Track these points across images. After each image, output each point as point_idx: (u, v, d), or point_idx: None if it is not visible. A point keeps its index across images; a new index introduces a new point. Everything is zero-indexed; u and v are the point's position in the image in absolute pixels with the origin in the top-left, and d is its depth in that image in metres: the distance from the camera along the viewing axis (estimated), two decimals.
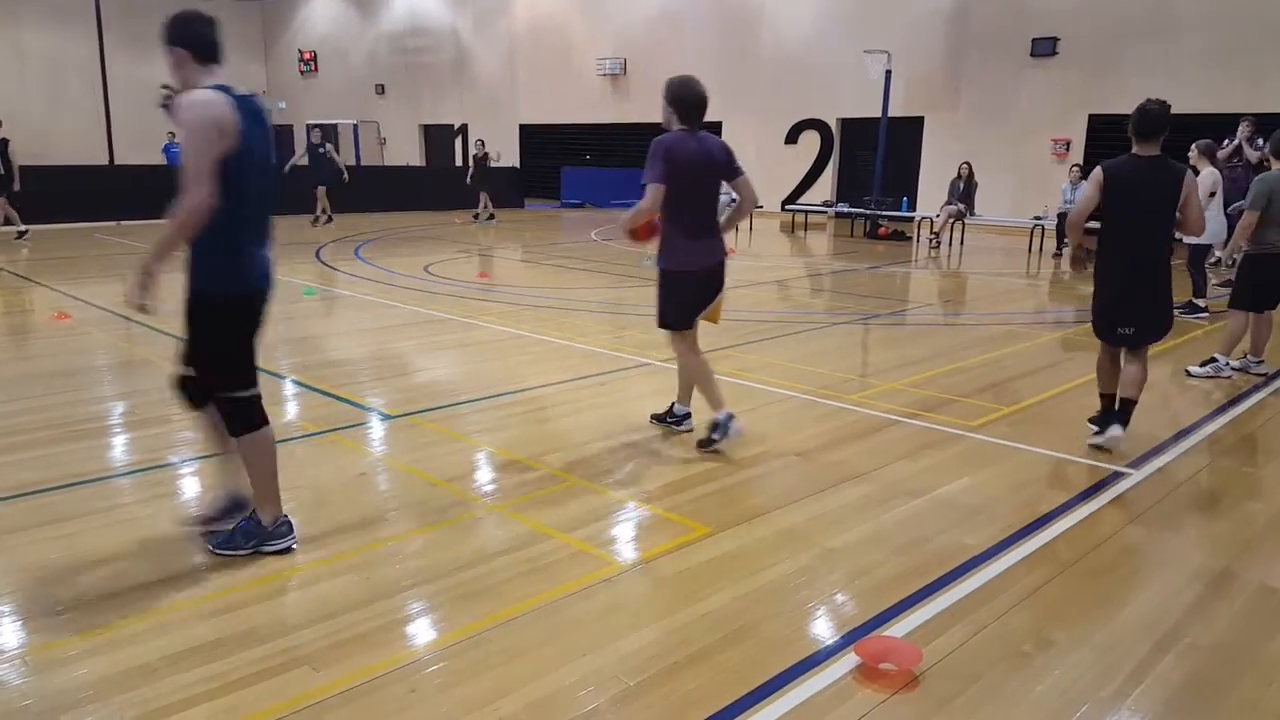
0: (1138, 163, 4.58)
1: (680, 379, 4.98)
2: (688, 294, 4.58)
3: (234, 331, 3.22)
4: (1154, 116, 4.51)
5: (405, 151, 28.58)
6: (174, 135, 23.90)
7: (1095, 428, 4.89)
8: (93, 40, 22.00)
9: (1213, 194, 8.48)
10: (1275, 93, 14.11)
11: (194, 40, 3.09)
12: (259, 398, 3.32)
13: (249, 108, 3.09)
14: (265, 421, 3.34)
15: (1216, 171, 8.68)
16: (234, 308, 3.19)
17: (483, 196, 18.88)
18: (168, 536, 3.55)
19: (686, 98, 4.42)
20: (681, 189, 4.37)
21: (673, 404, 5.06)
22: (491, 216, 18.98)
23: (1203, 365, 6.46)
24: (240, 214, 3.09)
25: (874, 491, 4.14)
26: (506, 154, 25.69)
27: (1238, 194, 9.18)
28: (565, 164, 24.62)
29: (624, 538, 3.66)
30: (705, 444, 4.64)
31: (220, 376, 3.25)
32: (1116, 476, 4.39)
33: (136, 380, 6.00)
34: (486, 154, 19.17)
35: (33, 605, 3.01)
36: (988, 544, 3.59)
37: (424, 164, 27.62)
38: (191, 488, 4.13)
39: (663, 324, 4.69)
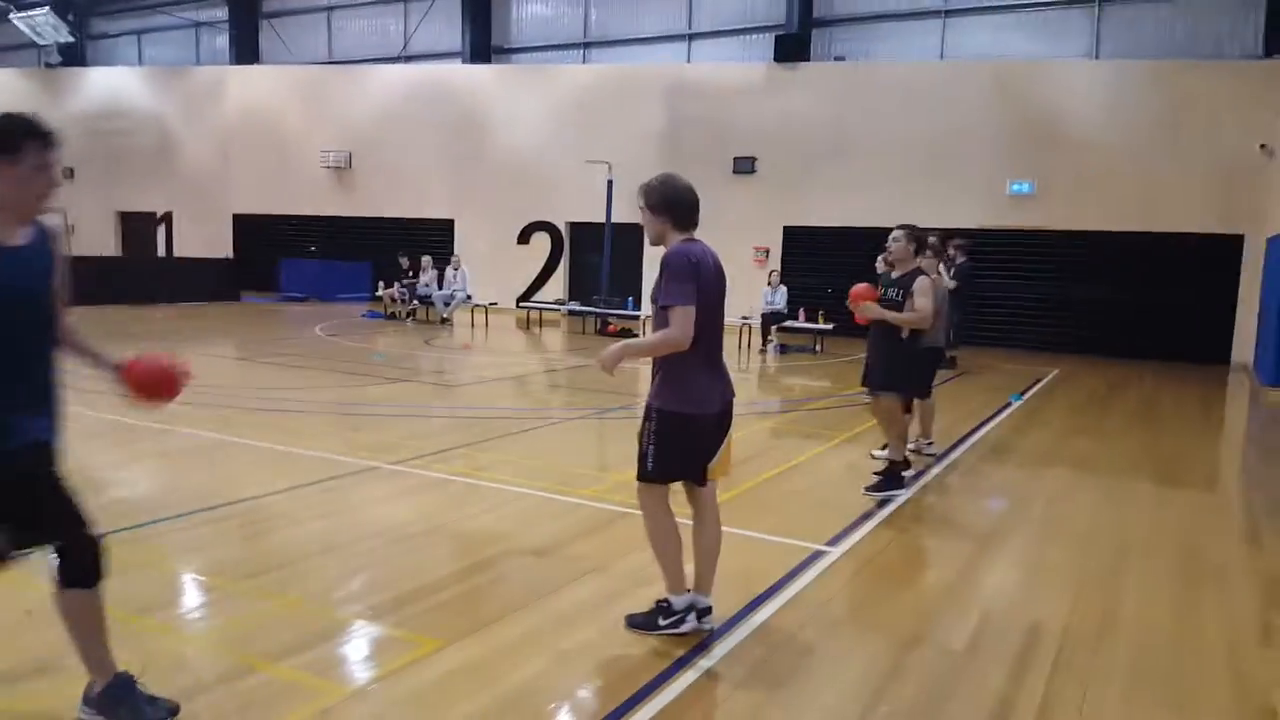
0: None
1: (662, 552, 3.73)
2: (698, 442, 3.65)
3: None
4: None
5: (98, 241, 25.82)
6: None
7: None
8: None
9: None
10: (918, 207, 16.56)
11: None
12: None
13: None
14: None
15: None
16: None
17: None
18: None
19: (682, 199, 3.70)
20: (706, 311, 3.57)
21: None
22: None
23: (883, 449, 7.28)
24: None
25: (610, 584, 4.21)
26: (219, 246, 24.00)
27: None
28: (286, 256, 23.45)
29: (346, 661, 3.43)
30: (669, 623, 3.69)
31: None
32: (818, 555, 4.80)
33: None
34: None
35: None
36: (715, 624, 3.77)
37: (120, 254, 25.07)
38: None
39: (651, 477, 3.68)
